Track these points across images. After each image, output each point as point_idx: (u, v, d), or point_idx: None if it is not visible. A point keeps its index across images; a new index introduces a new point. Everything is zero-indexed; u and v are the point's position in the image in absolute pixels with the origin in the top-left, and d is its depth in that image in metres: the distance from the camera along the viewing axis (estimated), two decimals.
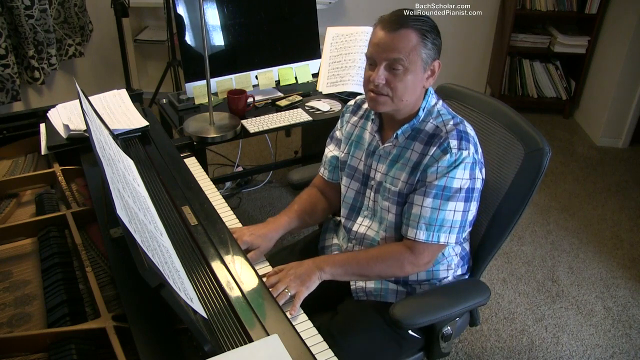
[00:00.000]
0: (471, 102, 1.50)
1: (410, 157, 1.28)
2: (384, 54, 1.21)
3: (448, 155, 1.22)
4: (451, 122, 1.26)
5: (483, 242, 1.41)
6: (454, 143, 1.22)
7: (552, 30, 3.61)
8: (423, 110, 1.29)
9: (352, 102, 1.50)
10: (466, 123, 1.28)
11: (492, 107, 1.44)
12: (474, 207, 1.28)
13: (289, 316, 1.06)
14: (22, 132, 1.62)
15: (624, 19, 3.21)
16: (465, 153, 1.22)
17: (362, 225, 1.41)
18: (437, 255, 1.32)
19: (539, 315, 2.19)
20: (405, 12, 1.24)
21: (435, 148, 1.24)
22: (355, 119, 1.46)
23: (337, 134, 1.51)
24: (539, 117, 3.82)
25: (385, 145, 1.33)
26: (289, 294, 1.19)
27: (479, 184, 1.27)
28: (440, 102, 1.33)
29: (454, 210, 1.24)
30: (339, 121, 1.51)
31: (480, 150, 1.29)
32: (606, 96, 3.38)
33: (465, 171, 1.23)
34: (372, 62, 1.25)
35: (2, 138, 1.60)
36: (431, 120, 1.28)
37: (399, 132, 1.30)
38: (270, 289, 1.15)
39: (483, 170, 1.30)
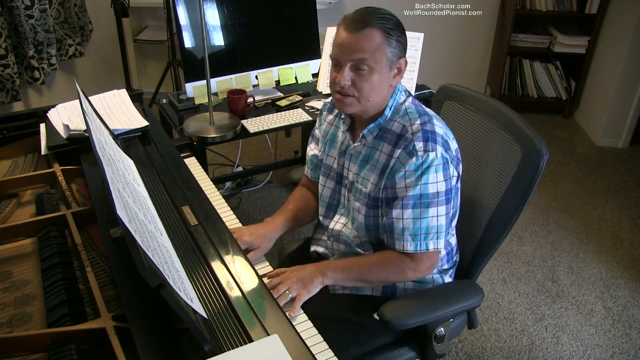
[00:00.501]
0: (471, 102, 1.50)
1: (379, 158, 1.27)
2: (348, 54, 1.19)
3: (414, 159, 1.20)
4: (418, 122, 1.24)
5: (481, 243, 1.41)
6: (419, 145, 1.20)
7: (552, 30, 3.61)
8: (390, 108, 1.27)
9: (329, 100, 1.49)
10: (435, 121, 1.25)
11: (491, 107, 1.44)
12: (454, 204, 1.27)
13: (279, 304, 1.06)
14: (22, 132, 1.62)
15: (624, 19, 3.21)
16: (432, 155, 1.19)
17: (338, 222, 1.41)
18: (437, 258, 1.30)
19: (539, 315, 2.19)
20: (369, 10, 1.21)
21: (400, 150, 1.22)
22: (331, 117, 1.45)
23: (316, 132, 1.51)
24: (539, 117, 3.82)
25: (355, 144, 1.32)
26: (290, 295, 1.19)
27: (454, 181, 1.25)
28: (410, 99, 1.30)
29: (437, 216, 1.22)
30: (318, 119, 1.51)
31: (454, 146, 1.27)
32: (606, 96, 3.38)
33: (438, 174, 1.21)
34: (337, 64, 1.23)
35: (2, 138, 1.60)
36: (398, 119, 1.26)
37: (365, 131, 1.28)
38: (271, 290, 1.15)
39: (460, 166, 1.28)
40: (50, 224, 1.24)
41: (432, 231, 1.23)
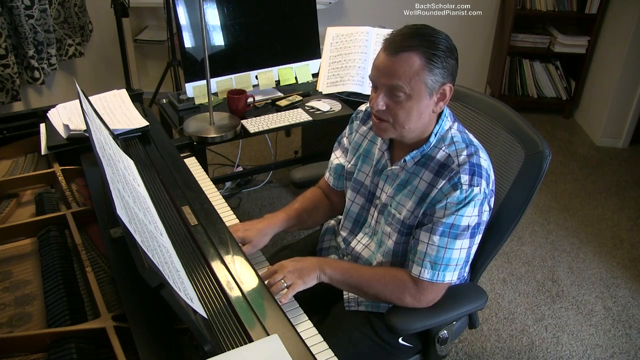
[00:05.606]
0: (472, 103, 1.50)
1: (418, 185, 1.21)
2: (383, 78, 1.12)
3: (458, 192, 1.14)
4: (464, 153, 1.17)
5: (482, 245, 1.39)
6: (465, 178, 1.14)
7: (552, 30, 3.61)
8: (435, 135, 1.21)
9: (362, 109, 1.42)
10: (481, 153, 1.20)
11: (493, 108, 1.43)
12: (478, 240, 1.22)
13: (279, 304, 1.06)
14: (22, 132, 1.62)
15: (624, 19, 3.21)
16: (476, 190, 1.15)
17: (360, 242, 1.38)
18: (443, 292, 1.25)
19: (539, 315, 2.19)
20: (412, 30, 1.12)
21: (444, 182, 1.16)
22: (364, 128, 1.38)
23: (344, 141, 1.45)
24: (539, 117, 3.82)
25: (394, 167, 1.27)
26: (284, 284, 1.17)
27: (485, 217, 1.21)
28: (456, 125, 1.24)
29: (460, 249, 1.18)
30: (348, 127, 1.45)
31: (492, 177, 1.21)
32: (606, 96, 3.38)
33: (475, 208, 1.16)
34: (374, 85, 1.17)
35: (2, 138, 1.60)
36: (443, 148, 1.20)
37: (407, 157, 1.23)
38: (267, 280, 1.15)
39: (492, 199, 1.22)
40: (50, 224, 1.24)
41: (452, 263, 1.18)
